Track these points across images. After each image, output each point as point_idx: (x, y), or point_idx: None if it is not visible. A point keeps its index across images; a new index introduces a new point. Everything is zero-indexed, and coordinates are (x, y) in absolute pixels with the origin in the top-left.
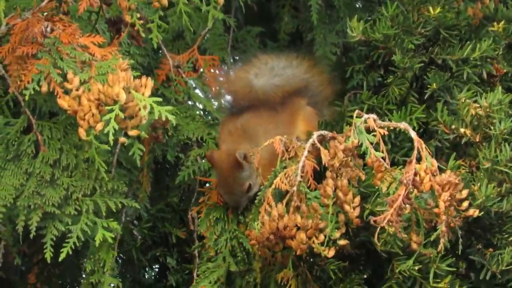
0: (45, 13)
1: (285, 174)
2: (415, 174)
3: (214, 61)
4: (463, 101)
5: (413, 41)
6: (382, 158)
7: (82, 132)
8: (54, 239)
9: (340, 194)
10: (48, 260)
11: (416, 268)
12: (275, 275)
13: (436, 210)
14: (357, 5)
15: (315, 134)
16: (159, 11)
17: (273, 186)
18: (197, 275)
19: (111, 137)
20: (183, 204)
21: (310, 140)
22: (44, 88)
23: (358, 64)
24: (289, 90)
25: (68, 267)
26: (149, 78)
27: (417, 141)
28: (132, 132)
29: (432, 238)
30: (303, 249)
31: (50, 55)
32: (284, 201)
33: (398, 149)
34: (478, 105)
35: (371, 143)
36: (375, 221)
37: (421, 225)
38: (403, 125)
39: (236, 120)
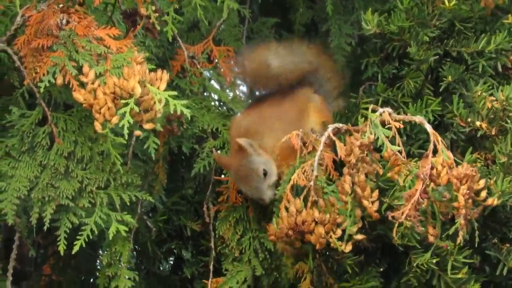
0: (60, 5)
1: (302, 169)
2: (432, 168)
3: (229, 52)
4: (479, 94)
5: (428, 34)
6: (399, 151)
7: (98, 126)
8: (68, 231)
9: (358, 189)
10: (62, 253)
11: (434, 261)
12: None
13: (455, 204)
14: None
15: (330, 127)
16: (174, 3)
17: (291, 183)
18: (224, 274)
19: (126, 131)
20: (198, 196)
21: (326, 134)
22: (59, 81)
23: (373, 57)
24: (301, 73)
25: (84, 258)
26: (165, 72)
27: (433, 134)
28: (147, 126)
29: (450, 232)
30: (323, 243)
31: (66, 47)
32: (302, 196)
33: (414, 141)
34: (494, 98)
35: (387, 137)
36: (393, 217)
37: (437, 218)
38: (418, 118)
39: (242, 121)
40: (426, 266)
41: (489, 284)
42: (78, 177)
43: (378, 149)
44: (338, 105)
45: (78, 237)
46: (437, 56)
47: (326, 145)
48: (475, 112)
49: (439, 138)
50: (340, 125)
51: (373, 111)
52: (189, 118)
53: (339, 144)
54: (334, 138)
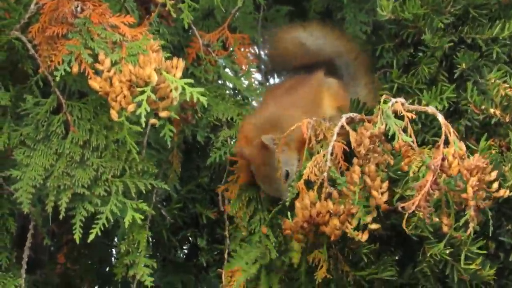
0: None
1: (314, 162)
2: (443, 158)
3: (244, 39)
4: (492, 81)
5: (443, 20)
6: (410, 142)
7: (114, 114)
8: (83, 220)
9: (368, 180)
10: (77, 241)
11: (447, 251)
12: (306, 256)
13: (464, 195)
14: None
15: (344, 116)
16: None
17: (304, 177)
18: (229, 254)
19: (143, 119)
20: (213, 185)
21: (339, 123)
22: (75, 69)
23: (388, 43)
24: (331, 53)
25: (98, 247)
26: (181, 59)
27: (445, 125)
28: (163, 114)
29: (460, 223)
30: (338, 234)
31: (81, 35)
32: (315, 188)
33: (429, 128)
34: (508, 85)
35: (399, 127)
36: (403, 208)
37: (451, 207)
38: (430, 109)
39: (259, 115)
40: (439, 256)
41: (503, 270)
42: (94, 165)
43: (391, 139)
44: (364, 92)
45: (93, 225)
46: (452, 43)
47: (339, 134)
48: (489, 99)
49: (451, 129)
50: (354, 114)
51: (385, 101)
52: (205, 106)
53: (352, 134)
54: (347, 127)
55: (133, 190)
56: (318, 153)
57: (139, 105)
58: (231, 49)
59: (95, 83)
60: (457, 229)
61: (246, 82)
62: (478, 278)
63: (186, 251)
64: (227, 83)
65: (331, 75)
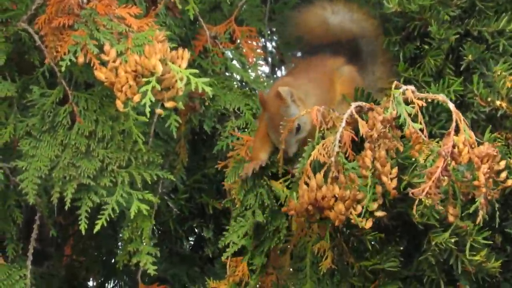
0: None
1: (323, 145)
2: (454, 146)
3: (251, 32)
4: (499, 73)
5: (449, 13)
6: (420, 130)
7: (119, 104)
8: (89, 210)
9: (378, 165)
10: (83, 232)
11: (453, 240)
12: (311, 246)
13: (475, 182)
14: None
15: (353, 105)
16: None
17: (311, 158)
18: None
19: (147, 109)
20: (219, 175)
21: (348, 111)
22: (81, 60)
23: (395, 35)
24: (354, 32)
25: (104, 238)
26: (186, 50)
27: (455, 113)
28: (169, 104)
29: (470, 211)
30: (341, 219)
31: (87, 26)
32: (322, 172)
33: (436, 121)
34: None
35: (409, 115)
36: (413, 193)
37: (458, 198)
38: (441, 97)
39: (284, 82)
40: (444, 245)
41: (509, 263)
42: (99, 156)
43: (400, 127)
44: (380, 71)
45: (99, 216)
46: (458, 35)
47: (347, 123)
48: (495, 92)
49: (461, 117)
50: (363, 103)
51: (397, 87)
52: (211, 96)
53: (361, 122)
54: (356, 116)
55: (139, 180)
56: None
57: (144, 95)
58: (238, 41)
59: (101, 74)
60: (463, 219)
61: (253, 74)
62: (483, 270)
63: (192, 242)
64: (235, 75)
65: (350, 54)
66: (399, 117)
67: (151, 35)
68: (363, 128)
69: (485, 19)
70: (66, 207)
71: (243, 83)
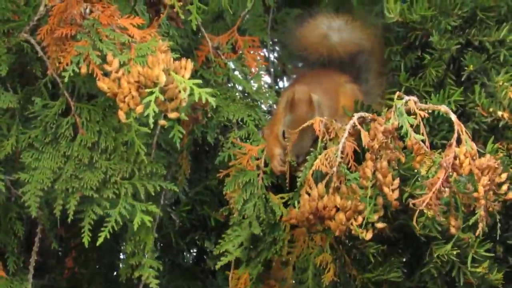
0: None
1: (325, 155)
2: (455, 157)
3: (253, 42)
4: (500, 84)
5: (450, 23)
6: (422, 141)
7: (122, 115)
8: (92, 223)
9: (379, 176)
10: (86, 245)
11: (454, 252)
12: (313, 258)
13: (475, 194)
14: None
15: (356, 116)
16: None
17: (313, 168)
18: (222, 238)
19: (151, 120)
20: (222, 187)
21: (351, 122)
22: (83, 70)
23: (396, 45)
24: (355, 49)
25: (106, 251)
26: (189, 60)
27: (457, 124)
28: (172, 115)
29: (470, 223)
30: (342, 230)
31: (89, 36)
32: (324, 182)
33: (437, 132)
34: None
35: (411, 126)
36: (414, 204)
37: (459, 209)
38: (443, 107)
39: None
40: (446, 257)
41: (511, 274)
42: (102, 167)
43: (402, 138)
44: (375, 92)
45: (102, 228)
46: (459, 45)
47: (350, 134)
48: (496, 102)
49: (463, 128)
50: (366, 114)
51: (399, 98)
52: (214, 107)
53: (363, 133)
54: (359, 126)
55: (142, 192)
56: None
57: (147, 106)
58: (241, 52)
59: (103, 84)
60: (465, 231)
61: (256, 85)
62: (486, 282)
63: (194, 254)
64: (237, 85)
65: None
66: (401, 128)
67: (154, 45)
68: (365, 138)
69: (486, 29)
70: (69, 220)
71: (245, 94)
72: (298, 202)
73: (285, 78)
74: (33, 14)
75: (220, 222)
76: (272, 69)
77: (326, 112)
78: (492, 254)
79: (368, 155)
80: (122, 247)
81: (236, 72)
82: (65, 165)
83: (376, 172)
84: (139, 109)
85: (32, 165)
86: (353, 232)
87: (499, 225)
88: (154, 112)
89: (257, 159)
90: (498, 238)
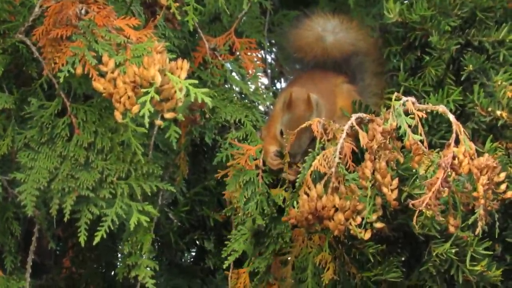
0: None
1: (323, 156)
2: (454, 157)
3: (250, 43)
4: (499, 83)
5: (450, 23)
6: (420, 141)
7: (118, 115)
8: (89, 222)
9: (378, 176)
10: (82, 244)
11: (453, 251)
12: (312, 257)
13: (474, 193)
14: None
15: (354, 116)
16: None
17: (312, 168)
18: (228, 240)
19: (146, 120)
20: (220, 187)
21: (349, 123)
22: (79, 71)
23: (395, 46)
24: (350, 50)
25: (103, 251)
26: (185, 61)
27: (455, 124)
28: (168, 115)
29: (470, 222)
30: (341, 230)
31: (85, 37)
32: (323, 182)
33: (436, 131)
34: None
35: (409, 126)
36: (413, 205)
37: (458, 209)
38: (441, 108)
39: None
40: (445, 256)
41: (510, 272)
42: (99, 167)
43: (401, 138)
44: (372, 91)
45: (98, 228)
46: (459, 45)
47: (348, 134)
48: (495, 101)
49: (461, 128)
50: (364, 115)
51: (397, 99)
52: (211, 107)
53: (361, 133)
54: (357, 127)
55: (139, 192)
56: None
57: (143, 106)
58: (238, 53)
59: (99, 85)
60: (463, 230)
61: (253, 86)
62: (485, 279)
63: (193, 254)
64: (234, 87)
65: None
66: (399, 128)
67: (150, 46)
68: (363, 139)
69: (486, 29)
70: (65, 219)
71: (243, 95)
72: (297, 202)
73: (282, 80)
74: (29, 15)
75: (219, 222)
76: (269, 71)
77: (324, 113)
78: (491, 253)
79: (367, 155)
80: (119, 247)
81: (234, 74)
82: (61, 165)
83: (375, 172)
84: (135, 109)
85: (28, 165)
86: (352, 232)
87: (497, 223)
88: (150, 112)
89: (255, 159)
90: (497, 237)
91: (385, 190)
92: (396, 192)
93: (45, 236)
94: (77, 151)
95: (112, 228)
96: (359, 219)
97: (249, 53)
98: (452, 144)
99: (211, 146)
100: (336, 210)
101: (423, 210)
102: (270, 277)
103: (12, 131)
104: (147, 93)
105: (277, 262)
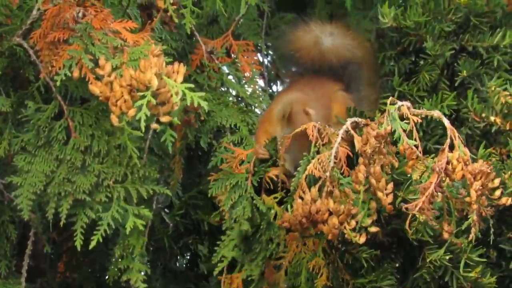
0: None
1: (318, 160)
2: (448, 162)
3: (248, 46)
4: (493, 89)
5: (444, 28)
6: (415, 146)
7: (114, 118)
8: (85, 226)
9: (372, 180)
10: (78, 248)
11: (447, 257)
12: (306, 263)
13: (467, 199)
14: None
15: (349, 121)
16: None
17: (306, 172)
18: (217, 245)
19: (142, 123)
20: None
21: (344, 127)
22: (76, 74)
23: (390, 51)
24: (348, 57)
25: (98, 255)
26: (182, 64)
27: (450, 130)
28: (164, 119)
29: (463, 228)
30: (335, 234)
31: (82, 40)
32: (317, 186)
33: (430, 136)
34: (508, 93)
35: (404, 131)
36: (406, 208)
37: (452, 214)
38: (436, 113)
39: (289, 95)
40: (439, 262)
41: (505, 278)
42: (95, 171)
43: (395, 143)
44: (368, 100)
45: (94, 232)
46: (453, 51)
47: (343, 138)
48: (489, 107)
49: (456, 134)
50: (359, 119)
51: (392, 103)
52: (206, 111)
53: (356, 138)
54: (352, 132)
55: (135, 196)
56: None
57: (139, 109)
58: (235, 56)
59: (96, 88)
60: (458, 236)
61: (250, 89)
62: (479, 286)
63: (187, 258)
64: (230, 90)
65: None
66: (394, 132)
67: (146, 49)
68: (358, 143)
69: (480, 34)
70: (61, 223)
71: (239, 98)
72: (291, 206)
73: (278, 82)
74: (26, 18)
75: (214, 226)
76: (266, 73)
77: (321, 120)
78: (485, 260)
79: (361, 159)
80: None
81: (230, 77)
82: (57, 169)
83: (370, 176)
84: (131, 112)
85: (24, 169)
86: (346, 236)
87: (492, 230)
88: (146, 116)
89: (247, 162)
90: (491, 243)
91: (380, 194)
92: (391, 196)
93: (40, 240)
94: (74, 154)
95: (108, 232)
96: (353, 223)
97: (246, 56)
98: (447, 149)
99: (207, 150)
100: (330, 214)
101: (417, 215)
102: (264, 284)
103: (9, 134)
104: (143, 96)
105: (270, 267)
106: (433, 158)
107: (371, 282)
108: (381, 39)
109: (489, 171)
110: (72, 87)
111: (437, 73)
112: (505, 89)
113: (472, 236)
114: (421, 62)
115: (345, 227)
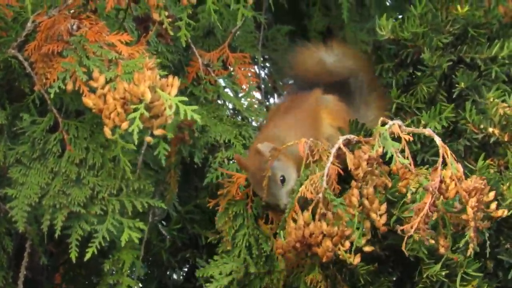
0: (71, 11)
1: (310, 181)
2: (441, 181)
3: (245, 58)
4: (491, 100)
5: (442, 40)
6: (408, 164)
7: (107, 131)
8: (80, 239)
9: (366, 202)
10: (73, 260)
11: (443, 273)
12: (304, 277)
13: (464, 216)
14: (388, 3)
15: (341, 139)
16: (187, 8)
17: (298, 194)
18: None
19: (135, 136)
20: (212, 207)
21: (336, 146)
22: (70, 87)
23: (387, 63)
24: (347, 73)
25: (94, 267)
26: (176, 78)
27: (442, 147)
28: (158, 132)
29: (460, 244)
30: (329, 256)
31: (76, 53)
32: (310, 208)
33: (428, 148)
34: (507, 105)
35: (396, 150)
36: (402, 230)
37: (448, 229)
38: (427, 131)
39: (265, 134)
40: (436, 277)
41: None
42: (90, 184)
43: (389, 162)
44: (374, 114)
45: (90, 244)
46: (451, 62)
47: (336, 156)
48: (487, 119)
49: (449, 151)
50: (351, 136)
51: (383, 124)
52: (200, 125)
53: (349, 156)
54: (344, 149)
55: (130, 209)
56: (314, 172)
57: (132, 122)
58: (231, 69)
59: (89, 100)
60: (454, 251)
61: (246, 102)
62: None
63: (185, 271)
64: (227, 103)
65: (344, 96)
66: (387, 153)
67: (141, 62)
68: (350, 161)
69: (478, 46)
70: (56, 235)
71: (236, 111)
72: (284, 231)
73: (275, 95)
74: (21, 30)
75: (212, 240)
76: (263, 86)
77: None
78: (481, 274)
79: (353, 183)
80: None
81: (227, 89)
82: (52, 181)
83: (363, 198)
84: (124, 125)
85: (19, 181)
86: (340, 257)
87: (488, 242)
88: (139, 128)
89: (245, 187)
90: (488, 255)
91: (373, 216)
92: (384, 217)
93: (36, 252)
94: (69, 167)
95: (103, 245)
96: (347, 244)
97: (243, 68)
98: (439, 168)
99: (202, 164)
100: (324, 236)
101: (413, 234)
102: None
103: (4, 146)
104: (136, 109)
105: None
106: (427, 169)
107: None
108: (379, 51)
109: (483, 186)
110: (67, 99)
111: (435, 84)
112: (503, 101)
113: (470, 251)
114: (419, 74)
115: (339, 249)
